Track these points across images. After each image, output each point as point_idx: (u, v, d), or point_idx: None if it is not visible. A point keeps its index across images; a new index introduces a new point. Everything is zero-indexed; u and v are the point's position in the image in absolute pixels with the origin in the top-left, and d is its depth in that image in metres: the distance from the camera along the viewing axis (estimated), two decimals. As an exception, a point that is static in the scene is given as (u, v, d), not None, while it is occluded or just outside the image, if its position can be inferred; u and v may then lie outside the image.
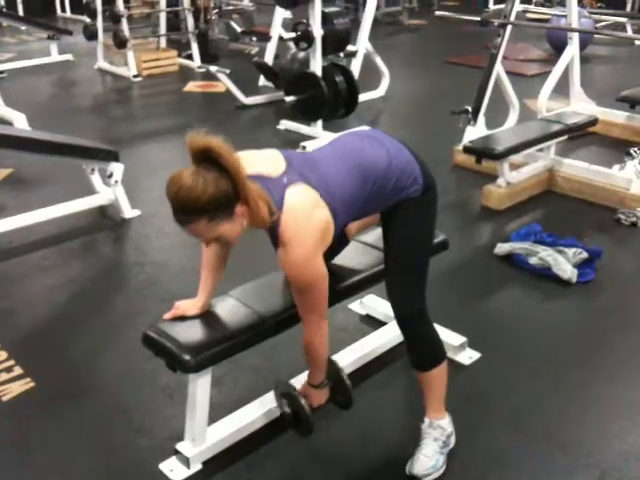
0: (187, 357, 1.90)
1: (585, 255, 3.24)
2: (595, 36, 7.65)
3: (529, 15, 8.92)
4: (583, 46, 6.08)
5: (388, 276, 2.03)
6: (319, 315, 1.90)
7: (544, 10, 8.48)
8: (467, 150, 4.02)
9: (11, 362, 2.62)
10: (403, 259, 1.99)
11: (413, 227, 1.98)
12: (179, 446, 2.12)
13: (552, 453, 2.16)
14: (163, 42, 8.16)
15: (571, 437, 2.23)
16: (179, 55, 7.86)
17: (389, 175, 1.90)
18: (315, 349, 1.95)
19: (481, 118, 4.51)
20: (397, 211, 1.97)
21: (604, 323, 2.89)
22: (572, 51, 4.94)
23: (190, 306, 2.04)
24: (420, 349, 2.06)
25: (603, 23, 8.86)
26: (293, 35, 5.15)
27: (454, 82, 6.76)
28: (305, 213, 1.77)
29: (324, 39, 5.08)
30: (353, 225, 2.29)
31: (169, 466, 2.11)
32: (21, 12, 10.27)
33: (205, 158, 1.64)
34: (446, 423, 2.11)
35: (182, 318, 2.03)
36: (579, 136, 4.82)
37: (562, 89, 5.09)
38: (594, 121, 4.50)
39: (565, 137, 4.32)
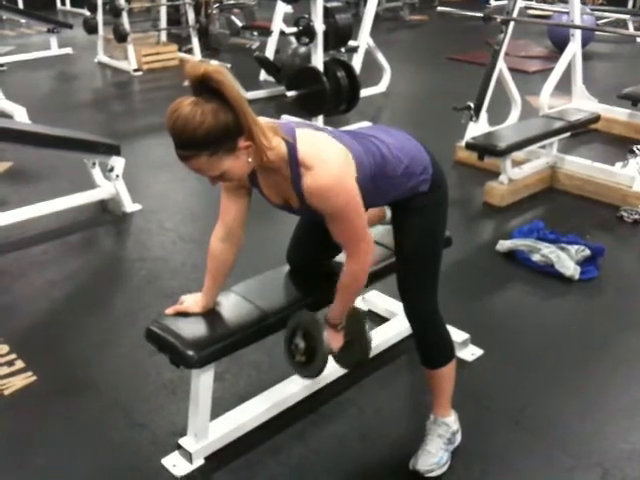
0: (191, 353, 1.89)
1: (588, 252, 3.23)
2: (597, 33, 7.65)
3: (531, 12, 8.89)
4: (585, 43, 6.07)
5: (400, 276, 2.01)
6: (365, 240, 1.80)
7: (546, 7, 8.45)
8: (469, 146, 4.01)
9: (13, 356, 2.62)
10: (416, 260, 1.96)
11: (425, 228, 1.94)
12: (182, 441, 2.12)
13: (554, 451, 2.16)
14: (163, 36, 8.14)
15: (573, 435, 2.23)
16: (179, 49, 7.84)
17: (400, 157, 1.86)
18: (356, 285, 1.87)
19: (483, 114, 4.49)
20: (408, 210, 1.93)
21: (607, 321, 2.88)
22: (574, 48, 4.92)
23: (193, 304, 2.02)
24: (431, 348, 2.05)
25: (605, 20, 8.85)
26: (295, 30, 5.13)
27: (455, 78, 6.74)
28: (321, 140, 1.73)
29: (326, 34, 5.07)
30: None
31: (172, 461, 2.10)
32: (21, 5, 10.25)
33: (205, 88, 1.54)
34: (452, 421, 2.10)
35: (185, 314, 2.02)
36: (581, 133, 4.81)
37: (564, 86, 5.08)
38: (596, 118, 4.49)
39: (567, 134, 4.31)
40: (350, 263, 1.84)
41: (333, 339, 1.98)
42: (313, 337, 1.97)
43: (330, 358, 2.04)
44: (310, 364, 2.01)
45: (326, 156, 1.69)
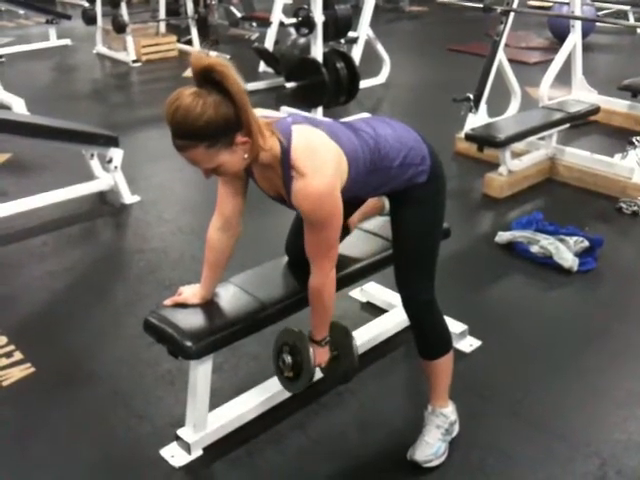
0: (189, 344, 1.89)
1: (586, 244, 3.23)
2: (597, 24, 7.61)
3: (531, 2, 8.86)
4: (585, 34, 6.03)
5: (397, 267, 2.01)
6: (331, 260, 1.82)
7: (546, -3, 8.43)
8: (469, 138, 4.01)
9: (11, 347, 2.62)
10: (413, 251, 1.96)
11: (423, 219, 1.94)
12: (180, 432, 2.12)
13: (552, 442, 2.16)
14: (162, 27, 8.11)
15: (571, 426, 2.24)
16: (178, 40, 7.81)
17: (398, 148, 1.86)
18: (323, 299, 1.87)
19: (483, 106, 4.48)
20: (406, 201, 1.93)
21: (605, 312, 2.89)
22: (574, 39, 4.90)
23: (191, 295, 2.02)
24: (428, 339, 2.05)
25: (605, 11, 8.81)
26: (294, 21, 5.12)
27: (455, 69, 6.72)
28: (316, 142, 1.72)
29: (325, 25, 5.05)
30: (355, 215, 2.27)
31: (170, 452, 2.11)
32: (19, -4, 10.19)
33: (208, 79, 1.55)
34: (449, 411, 2.11)
35: (183, 305, 2.02)
36: (581, 125, 4.80)
37: (564, 77, 5.07)
38: (596, 110, 4.48)
39: (567, 125, 4.30)
40: (314, 279, 1.85)
41: (319, 354, 1.99)
42: (299, 352, 2.00)
43: (318, 372, 2.07)
44: (297, 380, 2.04)
45: (319, 163, 1.69)
